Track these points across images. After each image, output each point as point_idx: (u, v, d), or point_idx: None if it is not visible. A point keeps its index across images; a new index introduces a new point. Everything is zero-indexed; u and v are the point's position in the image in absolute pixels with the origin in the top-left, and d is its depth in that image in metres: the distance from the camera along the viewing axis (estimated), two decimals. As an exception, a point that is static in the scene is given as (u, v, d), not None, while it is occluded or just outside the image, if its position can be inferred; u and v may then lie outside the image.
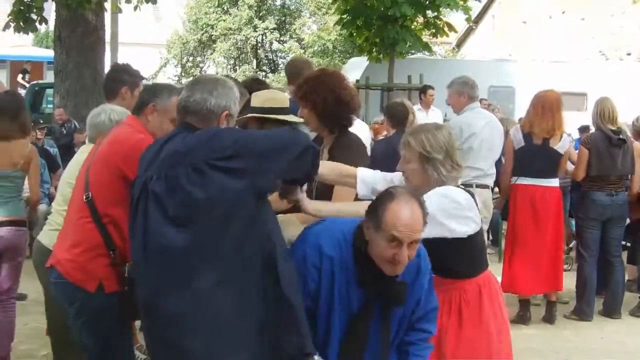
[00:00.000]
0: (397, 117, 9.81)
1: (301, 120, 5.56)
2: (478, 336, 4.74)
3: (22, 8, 15.10)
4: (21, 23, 15.25)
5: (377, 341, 4.16)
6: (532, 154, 9.02)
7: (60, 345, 6.37)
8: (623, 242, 10.26)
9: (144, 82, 7.09)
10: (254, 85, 6.83)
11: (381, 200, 3.91)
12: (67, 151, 13.80)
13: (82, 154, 6.24)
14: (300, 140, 4.13)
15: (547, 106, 9.11)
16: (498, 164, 9.83)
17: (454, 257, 4.63)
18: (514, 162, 9.23)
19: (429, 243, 4.22)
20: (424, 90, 15.48)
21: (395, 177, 4.79)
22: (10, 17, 15.31)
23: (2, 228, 7.35)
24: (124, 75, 6.91)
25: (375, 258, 3.94)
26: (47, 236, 6.12)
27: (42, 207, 10.46)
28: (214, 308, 3.90)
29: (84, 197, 5.03)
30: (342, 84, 5.46)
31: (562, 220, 9.40)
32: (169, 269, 3.96)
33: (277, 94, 6.01)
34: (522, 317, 9.15)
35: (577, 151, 9.73)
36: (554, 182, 9.15)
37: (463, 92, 9.61)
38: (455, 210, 4.47)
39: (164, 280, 3.99)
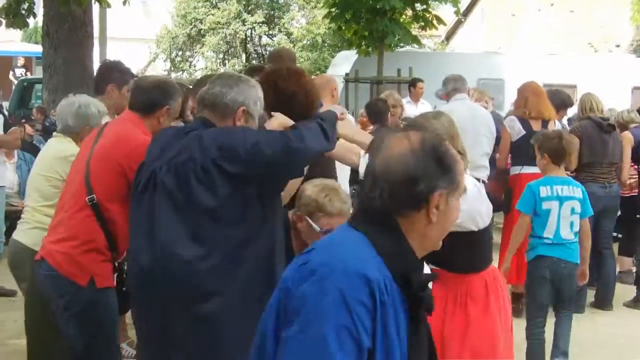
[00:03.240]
0: (377, 113, 9.93)
1: None
2: (483, 336, 4.70)
3: (11, 3, 15.05)
4: (11, 18, 15.22)
5: None
6: None
7: (37, 349, 6.28)
8: (614, 234, 10.28)
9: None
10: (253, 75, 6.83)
11: (443, 155, 2.69)
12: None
13: (52, 147, 6.20)
14: (303, 149, 4.12)
15: (539, 90, 9.37)
16: (492, 161, 9.83)
17: (464, 251, 4.56)
18: (517, 152, 9.21)
19: None
20: (413, 83, 15.51)
21: None
22: (0, 13, 15.27)
23: None
24: (113, 72, 6.84)
25: (433, 237, 2.76)
26: (26, 235, 6.04)
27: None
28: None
29: (87, 199, 5.01)
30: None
31: None
32: (176, 268, 4.01)
33: None
34: (514, 310, 9.15)
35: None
36: None
37: (443, 93, 10.32)
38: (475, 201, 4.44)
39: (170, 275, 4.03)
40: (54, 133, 6.38)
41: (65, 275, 5.04)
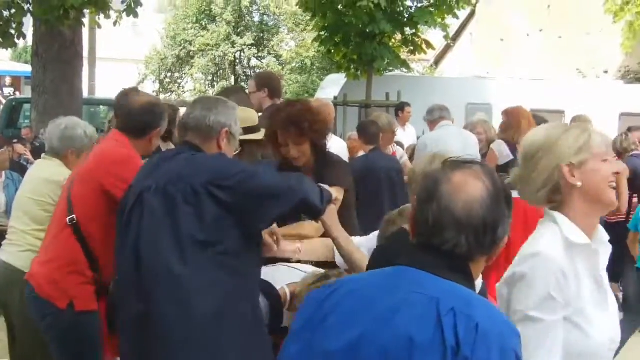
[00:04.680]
0: (370, 134, 9.94)
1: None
2: None
3: (1, 24, 15.06)
4: (0, 39, 15.23)
5: None
6: None
7: None
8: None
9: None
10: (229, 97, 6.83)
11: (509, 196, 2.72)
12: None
13: (44, 170, 6.15)
14: (298, 192, 4.14)
15: (526, 115, 9.41)
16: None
17: None
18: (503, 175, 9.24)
19: None
20: (401, 107, 15.53)
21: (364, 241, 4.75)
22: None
23: None
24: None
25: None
26: (19, 258, 5.94)
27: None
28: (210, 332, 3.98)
29: (67, 219, 5.02)
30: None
31: None
32: (163, 285, 4.02)
33: (247, 112, 5.87)
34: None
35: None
36: None
37: (427, 121, 10.44)
38: None
39: (159, 295, 4.03)
40: (42, 155, 6.36)
41: (45, 298, 5.05)
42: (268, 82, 7.44)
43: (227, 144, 4.31)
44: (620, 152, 10.28)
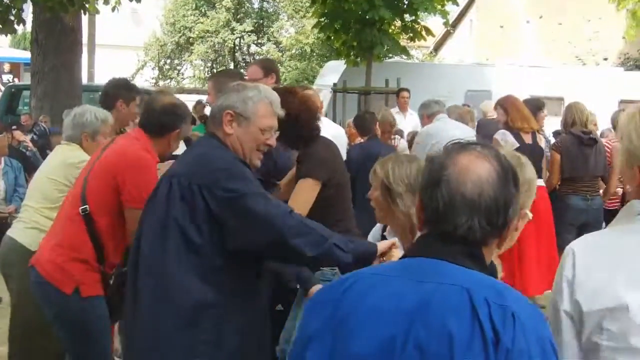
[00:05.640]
0: (364, 126, 10.02)
1: None
2: None
3: (0, 9, 15.04)
4: (0, 25, 15.21)
5: None
6: (527, 155, 9.09)
7: (18, 354, 6.27)
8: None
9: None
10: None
11: (516, 174, 2.58)
12: (42, 154, 13.73)
13: (62, 154, 6.23)
14: (288, 233, 3.95)
15: (518, 104, 9.41)
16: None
17: None
18: None
19: None
20: (397, 92, 15.56)
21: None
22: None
23: None
24: (121, 89, 6.94)
25: None
26: (23, 234, 6.04)
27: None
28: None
29: (80, 209, 5.06)
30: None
31: (552, 221, 9.44)
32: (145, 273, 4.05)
33: None
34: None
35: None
36: (541, 182, 9.25)
37: (423, 114, 10.45)
38: None
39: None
40: (61, 141, 6.44)
41: (51, 283, 5.08)
42: (275, 68, 7.33)
43: (237, 127, 4.17)
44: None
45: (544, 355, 2.24)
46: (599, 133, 10.86)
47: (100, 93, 7.42)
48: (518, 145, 9.07)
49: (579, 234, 9.40)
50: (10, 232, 6.26)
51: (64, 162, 6.07)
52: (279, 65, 35.10)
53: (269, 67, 7.04)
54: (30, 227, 6.01)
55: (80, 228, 5.08)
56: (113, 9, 16.38)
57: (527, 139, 9.12)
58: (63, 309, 5.11)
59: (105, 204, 5.06)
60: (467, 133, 9.70)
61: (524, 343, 2.21)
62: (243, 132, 4.19)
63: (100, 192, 5.07)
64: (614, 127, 10.34)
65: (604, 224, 10.11)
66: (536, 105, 10.31)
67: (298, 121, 5.12)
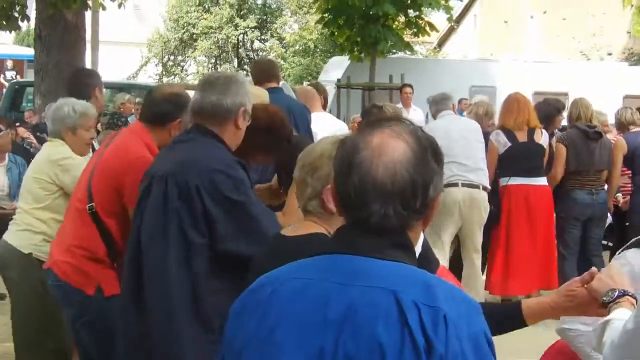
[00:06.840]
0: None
1: None
2: None
3: (4, 5, 15.03)
4: (4, 21, 15.20)
5: None
6: (521, 153, 9.11)
7: (24, 350, 6.26)
8: (605, 242, 10.28)
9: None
10: None
11: (438, 149, 2.42)
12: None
13: (45, 151, 6.20)
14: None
15: (521, 101, 9.43)
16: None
17: None
18: (504, 164, 9.27)
19: None
20: (400, 88, 15.57)
21: None
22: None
23: None
24: (94, 77, 6.95)
25: None
26: (16, 237, 6.03)
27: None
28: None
29: (87, 207, 5.04)
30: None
31: (553, 218, 9.44)
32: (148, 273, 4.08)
33: (259, 91, 5.86)
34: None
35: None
36: (544, 181, 9.23)
37: (431, 111, 10.42)
38: None
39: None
40: (48, 138, 6.42)
41: (72, 285, 5.06)
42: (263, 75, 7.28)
43: (243, 121, 4.24)
44: (622, 126, 10.24)
45: (477, 350, 2.13)
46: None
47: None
48: (510, 144, 9.11)
49: (583, 228, 9.41)
50: (5, 234, 6.25)
51: (47, 159, 6.02)
52: (282, 61, 35.05)
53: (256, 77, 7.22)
54: (22, 230, 5.99)
55: (91, 227, 5.05)
56: (119, 5, 16.36)
57: (522, 136, 9.14)
58: (85, 310, 5.08)
59: (109, 205, 5.03)
60: (469, 124, 9.68)
61: (457, 345, 2.10)
62: (245, 126, 4.28)
63: (105, 193, 5.04)
64: (618, 122, 10.31)
65: (609, 217, 10.13)
66: (556, 108, 10.28)
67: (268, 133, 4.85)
